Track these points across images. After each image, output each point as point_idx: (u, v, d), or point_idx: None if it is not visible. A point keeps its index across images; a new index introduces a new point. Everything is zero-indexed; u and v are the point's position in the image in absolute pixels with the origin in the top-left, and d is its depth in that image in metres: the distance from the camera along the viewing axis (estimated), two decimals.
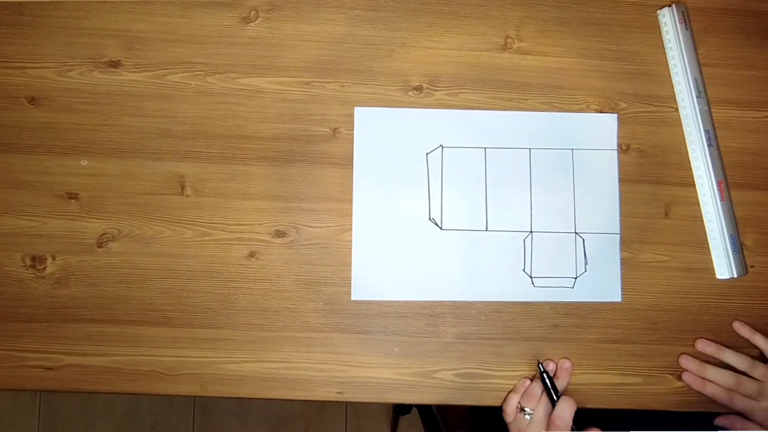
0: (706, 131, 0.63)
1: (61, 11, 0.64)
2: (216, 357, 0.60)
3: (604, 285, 0.62)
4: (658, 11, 0.65)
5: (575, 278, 0.62)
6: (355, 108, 0.63)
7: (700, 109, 0.63)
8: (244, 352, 0.60)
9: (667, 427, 0.58)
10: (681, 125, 0.65)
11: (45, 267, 0.61)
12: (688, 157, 0.65)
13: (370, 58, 0.65)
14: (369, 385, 0.61)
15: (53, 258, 0.61)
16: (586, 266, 0.62)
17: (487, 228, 0.62)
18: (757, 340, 0.61)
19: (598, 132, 0.64)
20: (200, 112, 0.63)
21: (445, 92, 0.64)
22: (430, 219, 0.62)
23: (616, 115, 0.65)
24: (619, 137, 0.64)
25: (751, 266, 0.64)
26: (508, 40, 0.65)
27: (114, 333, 0.60)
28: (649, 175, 0.64)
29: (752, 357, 0.60)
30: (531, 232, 0.63)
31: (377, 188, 0.63)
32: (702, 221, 0.64)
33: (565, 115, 0.65)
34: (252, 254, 0.61)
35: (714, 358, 0.61)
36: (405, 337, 0.61)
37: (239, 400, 0.70)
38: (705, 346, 0.61)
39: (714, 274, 0.63)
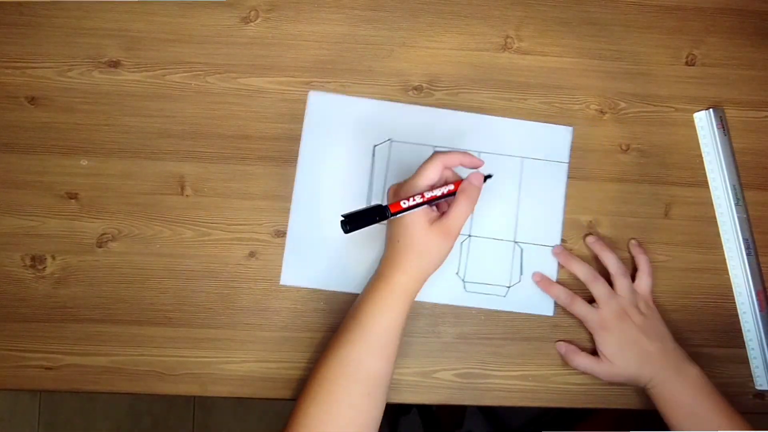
0: (745, 240, 0.62)
1: (61, 11, 0.64)
2: (216, 357, 0.60)
3: (536, 297, 0.61)
4: (695, 114, 0.64)
5: (508, 287, 0.61)
6: (310, 92, 0.63)
7: (738, 217, 0.62)
8: (244, 352, 0.60)
9: (667, 428, 0.58)
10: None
11: (45, 267, 0.61)
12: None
13: (370, 58, 0.65)
14: None
15: (53, 258, 0.61)
16: (521, 276, 0.62)
17: None
18: (607, 257, 0.60)
19: (552, 143, 0.63)
20: (200, 112, 0.63)
21: (445, 92, 0.64)
22: None
23: (571, 128, 0.64)
24: (572, 150, 0.64)
25: None
26: (508, 40, 0.65)
27: (114, 333, 0.60)
28: (649, 175, 0.64)
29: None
30: (469, 236, 0.62)
31: (321, 173, 0.62)
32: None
33: (520, 122, 0.64)
34: (252, 254, 0.61)
35: (561, 265, 0.62)
36: (405, 337, 0.61)
37: (239, 400, 0.70)
38: (558, 251, 0.61)
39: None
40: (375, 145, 0.63)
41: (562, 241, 0.62)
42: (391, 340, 0.52)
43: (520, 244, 0.62)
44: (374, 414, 0.50)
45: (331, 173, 0.62)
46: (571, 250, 0.62)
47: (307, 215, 0.61)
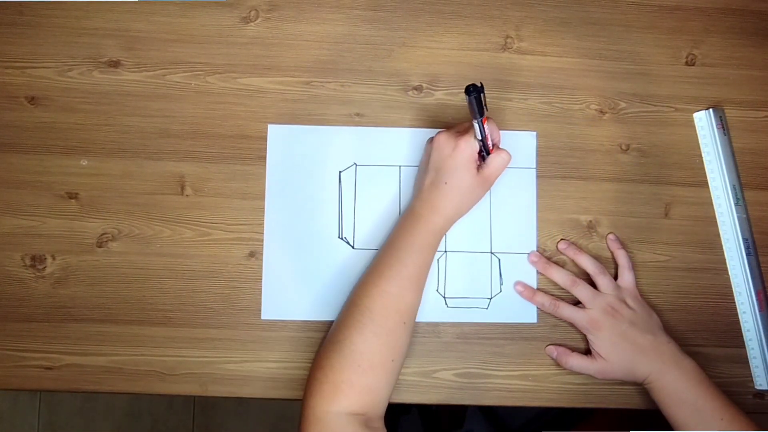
0: (745, 240, 0.62)
1: (61, 11, 0.64)
2: (216, 357, 0.60)
3: (519, 305, 0.61)
4: (695, 114, 0.64)
5: (490, 299, 0.61)
6: (269, 125, 0.63)
7: (738, 217, 0.62)
8: (244, 352, 0.60)
9: (667, 426, 0.58)
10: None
11: (45, 267, 0.61)
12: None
13: (370, 58, 0.65)
14: None
15: (53, 258, 0.61)
16: (501, 287, 0.62)
17: None
18: (582, 260, 0.61)
19: (518, 150, 0.62)
20: (200, 112, 0.63)
21: (445, 92, 0.64)
22: (342, 238, 0.62)
23: (534, 133, 0.64)
24: (538, 155, 0.64)
25: None
26: (508, 40, 0.65)
27: (114, 333, 0.60)
28: (649, 175, 0.64)
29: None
30: (445, 251, 0.62)
31: (290, 206, 0.62)
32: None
33: None
34: (252, 254, 0.61)
35: (540, 273, 0.62)
36: None
37: (239, 400, 0.70)
38: (534, 259, 0.62)
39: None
40: (340, 171, 0.62)
41: (538, 248, 0.62)
42: (424, 274, 0.57)
43: (496, 254, 0.62)
44: (407, 340, 0.56)
45: (300, 204, 0.62)
46: (549, 257, 0.62)
47: (281, 249, 0.61)
